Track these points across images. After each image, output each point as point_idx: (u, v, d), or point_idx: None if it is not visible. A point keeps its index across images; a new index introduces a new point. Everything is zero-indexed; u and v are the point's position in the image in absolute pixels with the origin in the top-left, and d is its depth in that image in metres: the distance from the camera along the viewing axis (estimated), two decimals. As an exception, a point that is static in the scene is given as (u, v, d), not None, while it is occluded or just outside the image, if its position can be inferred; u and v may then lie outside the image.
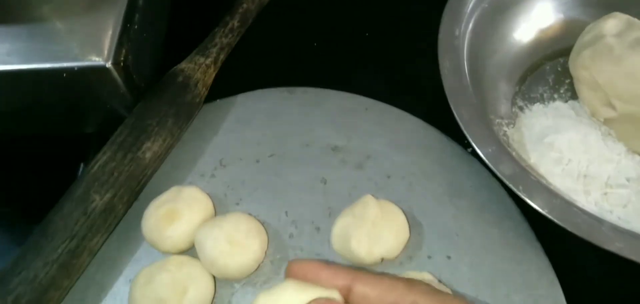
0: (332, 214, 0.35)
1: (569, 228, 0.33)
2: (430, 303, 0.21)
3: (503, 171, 0.35)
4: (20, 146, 0.41)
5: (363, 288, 0.22)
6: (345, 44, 0.48)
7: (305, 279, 0.24)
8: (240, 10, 0.41)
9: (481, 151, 0.36)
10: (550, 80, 0.47)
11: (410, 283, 0.22)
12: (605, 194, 0.40)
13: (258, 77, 0.45)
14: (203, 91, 0.37)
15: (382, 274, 0.24)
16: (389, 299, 0.22)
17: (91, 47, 0.32)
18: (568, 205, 0.34)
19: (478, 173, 0.38)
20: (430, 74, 0.46)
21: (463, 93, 0.39)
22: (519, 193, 0.34)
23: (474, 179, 0.38)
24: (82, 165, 0.40)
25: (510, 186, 0.35)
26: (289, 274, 0.25)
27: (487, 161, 0.35)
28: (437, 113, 0.40)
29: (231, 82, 0.42)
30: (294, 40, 0.48)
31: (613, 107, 0.42)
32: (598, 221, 0.34)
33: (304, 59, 0.47)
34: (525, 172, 0.35)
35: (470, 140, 0.36)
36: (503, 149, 0.36)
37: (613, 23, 0.44)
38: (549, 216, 0.33)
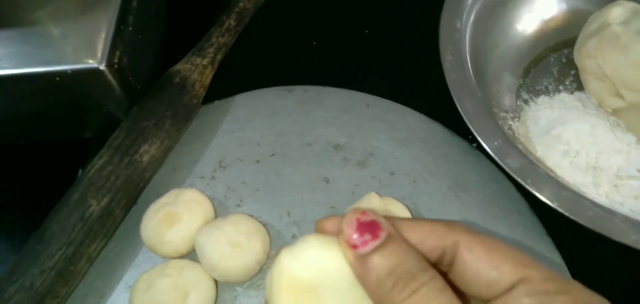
0: (336, 213, 0.35)
1: (581, 221, 0.32)
2: (472, 241, 0.20)
3: (510, 164, 0.34)
4: (18, 152, 0.41)
5: (403, 234, 0.20)
6: (345, 42, 0.47)
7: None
8: (237, 9, 0.40)
9: (487, 144, 0.35)
10: (555, 72, 0.46)
11: (450, 224, 0.21)
12: (616, 186, 0.39)
13: (256, 77, 0.44)
14: (201, 91, 0.37)
15: (419, 219, 0.22)
16: (431, 243, 0.20)
17: (84, 50, 0.31)
18: (578, 198, 0.33)
19: (484, 167, 0.37)
20: (432, 69, 0.45)
21: (466, 86, 0.38)
22: (527, 187, 0.33)
23: (480, 174, 0.37)
24: (80, 171, 0.39)
25: (518, 179, 0.34)
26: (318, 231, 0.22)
27: (493, 155, 0.34)
28: (440, 108, 0.40)
29: (229, 82, 0.41)
30: (293, 39, 0.47)
31: (621, 96, 0.41)
32: (610, 213, 0.33)
33: (303, 57, 0.46)
34: (533, 165, 0.34)
35: (475, 134, 0.35)
36: (509, 142, 0.35)
37: (619, 11, 0.43)
38: (559, 210, 0.33)
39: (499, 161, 0.34)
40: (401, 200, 0.35)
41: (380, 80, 0.45)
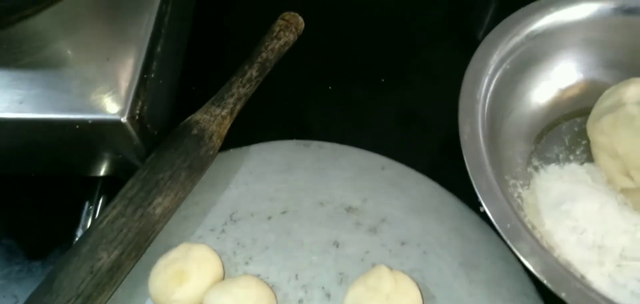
0: (344, 280, 0.34)
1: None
2: None
3: (521, 249, 0.34)
4: (25, 181, 0.40)
5: None
6: (360, 90, 0.48)
7: None
8: (260, 59, 0.40)
9: (500, 226, 0.35)
10: (566, 140, 0.46)
11: None
12: (619, 266, 0.39)
13: (271, 121, 0.44)
14: (218, 143, 0.36)
15: None
16: None
17: (107, 99, 0.31)
18: (587, 290, 0.33)
19: (494, 245, 0.37)
20: (447, 124, 0.46)
21: (483, 161, 0.38)
22: (536, 273, 0.33)
23: (490, 250, 0.37)
24: (86, 204, 0.39)
25: (528, 265, 0.34)
26: None
27: (505, 237, 0.34)
28: (450, 170, 0.40)
29: (244, 127, 0.41)
30: (308, 85, 0.47)
31: (631, 177, 0.42)
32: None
33: (318, 104, 0.46)
34: (544, 252, 0.34)
35: (489, 214, 0.35)
36: (522, 225, 0.35)
37: (634, 90, 0.43)
38: (566, 300, 0.33)
39: (511, 245, 0.34)
40: (410, 272, 0.35)
41: (394, 134, 0.45)
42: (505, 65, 0.44)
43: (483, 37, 0.53)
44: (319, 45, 0.49)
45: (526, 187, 0.43)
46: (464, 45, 0.52)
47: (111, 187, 0.39)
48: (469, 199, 0.40)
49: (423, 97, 0.48)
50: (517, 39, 0.44)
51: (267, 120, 0.44)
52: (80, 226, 0.38)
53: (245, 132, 0.41)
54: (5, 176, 0.40)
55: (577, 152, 0.45)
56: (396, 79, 0.49)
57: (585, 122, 0.46)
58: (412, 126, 0.46)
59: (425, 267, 0.35)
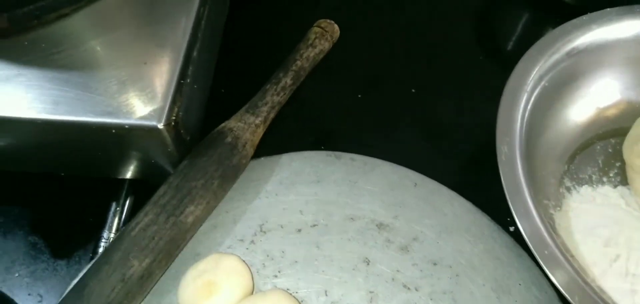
0: (374, 299, 0.34)
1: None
2: None
3: (559, 277, 0.33)
4: (53, 180, 0.40)
5: None
6: (390, 99, 0.47)
7: None
8: (294, 67, 0.39)
9: (537, 252, 0.34)
10: (600, 161, 0.45)
11: None
12: (653, 295, 0.38)
13: (299, 129, 0.43)
14: (250, 151, 0.36)
15: None
16: None
17: (143, 104, 0.30)
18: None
19: (527, 269, 0.36)
20: (478, 139, 0.45)
21: (520, 183, 0.37)
22: (573, 303, 0.33)
23: (523, 276, 0.36)
24: (113, 205, 0.39)
25: (566, 295, 0.33)
26: None
27: (542, 264, 0.33)
28: (481, 187, 0.39)
29: (272, 135, 0.40)
30: (338, 93, 0.47)
31: (666, 203, 0.40)
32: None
33: (348, 114, 0.46)
34: (583, 282, 0.33)
35: (526, 239, 0.34)
36: (560, 251, 0.34)
37: (674, 113, 0.42)
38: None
39: (548, 272, 0.33)
40: (441, 294, 0.34)
41: (424, 148, 0.45)
42: (544, 83, 0.42)
43: (514, 49, 0.53)
44: (348, 54, 0.48)
45: (558, 208, 0.42)
46: (495, 57, 0.52)
47: (138, 189, 0.39)
48: (498, 216, 0.39)
49: (454, 111, 0.47)
50: (557, 56, 0.43)
51: (295, 128, 0.44)
52: (107, 227, 0.38)
53: (273, 140, 0.40)
54: (34, 174, 0.39)
55: (611, 175, 0.44)
56: (427, 90, 0.48)
57: (620, 144, 0.45)
58: (441, 139, 0.45)
59: (456, 290, 0.35)
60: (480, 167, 0.44)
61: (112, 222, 0.38)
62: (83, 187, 0.40)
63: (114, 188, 0.39)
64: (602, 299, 0.33)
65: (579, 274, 0.33)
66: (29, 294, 0.37)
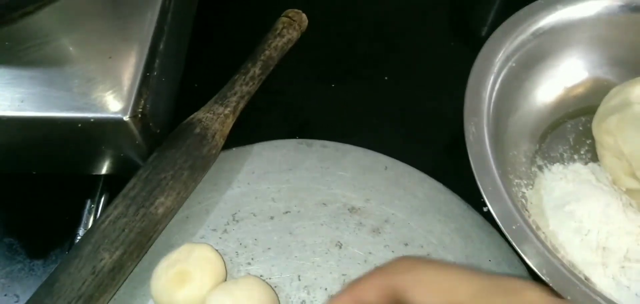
0: (346, 281, 0.34)
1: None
2: (413, 284, 0.23)
3: (527, 251, 0.34)
4: (26, 180, 0.40)
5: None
6: (364, 88, 0.47)
7: None
8: (263, 57, 0.40)
9: (505, 227, 0.34)
10: (571, 139, 0.46)
11: (392, 272, 0.24)
12: (623, 267, 0.39)
13: (272, 119, 0.44)
14: (220, 142, 0.36)
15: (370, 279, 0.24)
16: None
17: (109, 98, 0.31)
18: (592, 294, 0.33)
19: (497, 246, 0.37)
20: (450, 124, 0.45)
21: (488, 162, 0.37)
22: (542, 276, 0.33)
23: (494, 252, 0.37)
24: (88, 202, 0.39)
25: (534, 267, 0.33)
26: None
27: (511, 240, 0.34)
28: (455, 170, 0.39)
29: (245, 125, 0.41)
30: (310, 83, 0.47)
31: (636, 178, 0.41)
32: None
33: (321, 103, 0.46)
34: (549, 255, 0.34)
35: (495, 215, 0.35)
36: (528, 227, 0.35)
37: (641, 89, 0.43)
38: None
39: (516, 247, 0.34)
40: (413, 274, 0.34)
41: (397, 133, 0.45)
42: (511, 63, 0.43)
43: (487, 35, 0.53)
44: (321, 43, 0.49)
45: (530, 187, 0.43)
46: (468, 43, 0.52)
47: (113, 185, 0.39)
48: (472, 199, 0.39)
49: (426, 96, 0.47)
50: (523, 37, 0.44)
51: (268, 118, 0.44)
52: (82, 224, 0.38)
53: (246, 131, 0.40)
54: (6, 175, 0.39)
55: (582, 152, 0.45)
56: (400, 77, 0.48)
57: (590, 121, 0.45)
58: (416, 126, 0.46)
59: (428, 268, 0.35)
60: (455, 152, 0.45)
61: (87, 220, 0.38)
62: (57, 186, 0.40)
63: (88, 185, 0.39)
64: (570, 271, 0.34)
65: (546, 248, 0.34)
66: (5, 295, 0.37)
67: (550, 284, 0.33)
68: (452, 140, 0.46)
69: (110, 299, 0.32)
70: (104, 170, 0.38)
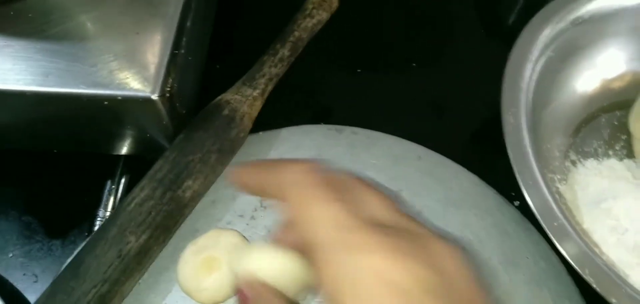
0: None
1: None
2: None
3: (568, 249, 0.32)
4: (46, 158, 0.39)
5: None
6: (391, 74, 0.46)
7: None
8: (292, 38, 0.38)
9: (546, 224, 0.33)
10: (605, 134, 0.44)
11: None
12: (660, 268, 0.38)
13: (297, 104, 0.42)
14: (248, 125, 0.35)
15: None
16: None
17: (136, 75, 0.29)
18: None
19: (535, 243, 0.35)
20: (478, 113, 0.43)
21: (526, 153, 0.36)
22: (585, 276, 0.32)
23: (531, 250, 0.35)
24: (108, 183, 0.38)
25: (576, 267, 0.32)
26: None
27: (551, 236, 0.33)
28: (484, 161, 0.38)
29: (269, 109, 0.39)
30: (336, 67, 0.45)
31: (674, 175, 0.40)
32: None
33: (346, 88, 0.45)
34: (593, 254, 0.33)
35: (534, 210, 0.33)
36: (569, 223, 0.33)
37: (680, 84, 0.41)
38: (615, 304, 0.31)
39: (557, 245, 0.32)
40: (448, 268, 0.33)
41: (428, 121, 0.44)
42: (549, 52, 0.41)
43: (514, 22, 0.51)
44: (346, 27, 0.47)
45: (564, 182, 0.42)
46: (497, 31, 0.50)
47: (133, 166, 0.38)
48: (503, 193, 0.38)
49: (454, 84, 0.46)
50: (562, 25, 0.42)
51: (294, 104, 0.43)
52: (102, 205, 0.37)
53: (271, 115, 0.39)
54: (27, 152, 0.38)
55: (617, 148, 0.43)
56: (427, 64, 0.47)
57: (625, 116, 0.44)
58: (443, 114, 0.44)
59: (463, 263, 0.34)
60: (484, 142, 0.43)
61: (107, 201, 0.37)
62: (77, 165, 0.39)
63: (109, 166, 0.38)
64: (615, 273, 0.32)
65: (589, 247, 0.33)
66: (24, 274, 0.36)
67: (594, 285, 0.31)
68: (481, 130, 0.44)
69: (135, 284, 0.30)
70: (124, 150, 0.36)
